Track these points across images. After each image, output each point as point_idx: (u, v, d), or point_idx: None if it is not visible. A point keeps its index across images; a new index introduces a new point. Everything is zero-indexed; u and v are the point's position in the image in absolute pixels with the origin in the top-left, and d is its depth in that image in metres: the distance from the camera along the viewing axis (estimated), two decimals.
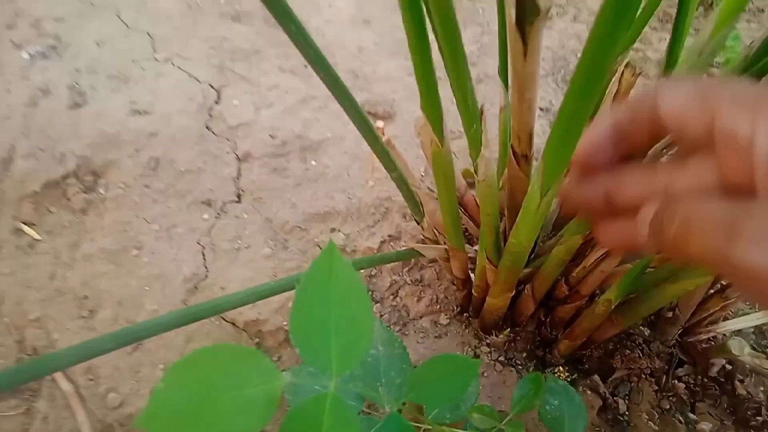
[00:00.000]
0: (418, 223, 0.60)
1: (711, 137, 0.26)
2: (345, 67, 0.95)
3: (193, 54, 0.93)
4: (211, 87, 0.89)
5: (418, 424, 0.49)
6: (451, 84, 0.38)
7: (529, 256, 0.65)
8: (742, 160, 0.25)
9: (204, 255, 0.75)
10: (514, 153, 0.49)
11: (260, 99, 0.88)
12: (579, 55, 0.31)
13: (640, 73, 0.55)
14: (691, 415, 0.68)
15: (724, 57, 1.03)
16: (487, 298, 0.60)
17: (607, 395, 0.70)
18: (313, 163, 0.83)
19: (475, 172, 0.45)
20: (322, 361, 0.30)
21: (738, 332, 0.71)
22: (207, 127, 0.85)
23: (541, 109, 0.97)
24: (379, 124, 0.51)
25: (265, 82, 0.90)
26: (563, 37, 1.07)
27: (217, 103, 0.87)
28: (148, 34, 0.95)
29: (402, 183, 0.51)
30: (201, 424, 0.27)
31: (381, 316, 0.74)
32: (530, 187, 0.43)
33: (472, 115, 0.40)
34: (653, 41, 1.15)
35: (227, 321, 0.72)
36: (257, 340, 0.72)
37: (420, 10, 0.34)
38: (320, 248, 0.77)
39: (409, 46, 0.36)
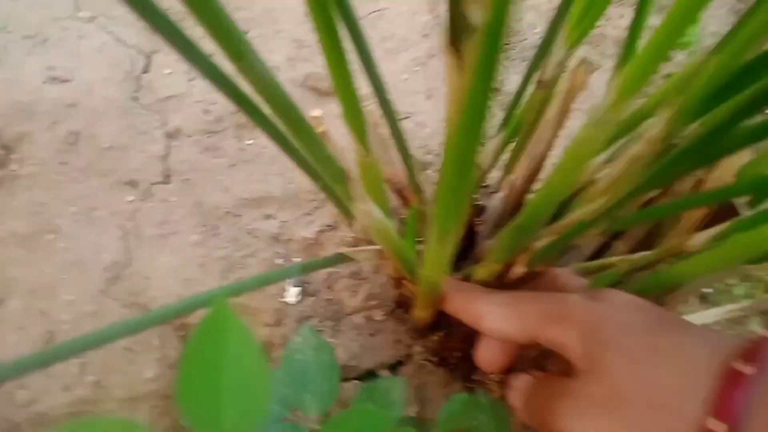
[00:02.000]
0: (349, 226, 0.57)
1: (530, 342, 0.37)
2: (289, 34, 0.89)
3: (121, 13, 0.85)
4: (140, 53, 0.82)
5: None
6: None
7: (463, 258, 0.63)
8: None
9: (127, 241, 0.70)
10: None
11: (193, 70, 0.82)
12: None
13: (595, 69, 0.52)
14: None
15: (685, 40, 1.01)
16: (415, 309, 0.58)
17: None
18: (249, 142, 0.78)
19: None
20: (212, 430, 0.28)
21: None
22: (134, 98, 0.78)
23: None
24: (317, 112, 0.47)
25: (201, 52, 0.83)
26: (520, 9, 1.02)
27: (145, 71, 0.81)
28: None
29: (328, 191, 0.48)
30: None
31: (315, 310, 0.71)
32: (428, 235, 0.41)
33: (337, 176, 0.39)
34: (613, 16, 1.12)
35: None
36: (181, 333, 0.68)
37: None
38: (254, 237, 0.73)
39: (323, 52, 0.33)
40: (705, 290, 0.77)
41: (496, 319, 0.38)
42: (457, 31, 0.31)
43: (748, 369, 0.25)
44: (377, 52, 0.31)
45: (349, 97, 0.37)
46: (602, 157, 0.52)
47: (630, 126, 0.49)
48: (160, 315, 0.43)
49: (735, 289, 0.77)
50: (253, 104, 0.36)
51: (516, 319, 0.37)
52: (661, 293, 0.62)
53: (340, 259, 0.58)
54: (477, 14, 0.29)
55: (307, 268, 0.58)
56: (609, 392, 0.30)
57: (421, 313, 0.59)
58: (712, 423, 0.25)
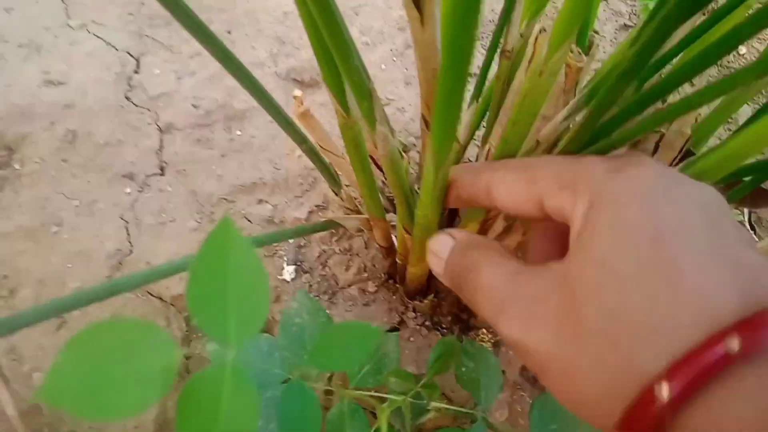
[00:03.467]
0: (337, 194, 0.61)
1: (542, 213, 0.30)
2: (270, 32, 0.93)
3: (109, 20, 0.89)
4: (130, 55, 0.86)
5: (345, 392, 0.51)
6: (336, 59, 0.38)
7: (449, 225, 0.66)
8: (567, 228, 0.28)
9: (127, 230, 0.74)
10: (426, 122, 0.50)
11: (182, 67, 0.86)
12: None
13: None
14: None
15: (642, 2, 1.06)
16: (409, 267, 0.62)
17: None
18: (239, 133, 0.82)
19: (375, 147, 0.45)
20: (221, 332, 0.31)
21: None
22: (126, 98, 0.82)
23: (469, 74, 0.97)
24: (298, 92, 0.51)
25: (187, 50, 0.88)
26: (491, 0, 1.07)
27: (136, 72, 0.85)
28: (61, 0, 0.91)
29: (314, 155, 0.52)
30: (99, 396, 0.28)
31: (310, 286, 0.74)
32: (425, 163, 0.44)
33: (361, 92, 0.40)
34: None
35: (154, 296, 0.71)
36: (185, 314, 0.72)
37: None
38: (248, 221, 0.77)
39: (298, 10, 0.36)
40: None
41: (508, 186, 0.31)
42: None
43: (735, 344, 0.19)
44: (357, 45, 0.35)
45: (325, 58, 0.40)
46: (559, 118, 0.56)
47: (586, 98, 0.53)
48: (142, 277, 0.46)
49: None
50: None
51: (527, 182, 0.30)
52: None
53: (331, 225, 0.62)
54: None
55: (300, 232, 0.62)
56: (582, 295, 0.24)
57: (414, 270, 0.63)
58: (661, 387, 0.20)
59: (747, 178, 0.42)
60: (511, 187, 0.31)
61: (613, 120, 0.41)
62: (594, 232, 0.24)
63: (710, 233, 0.23)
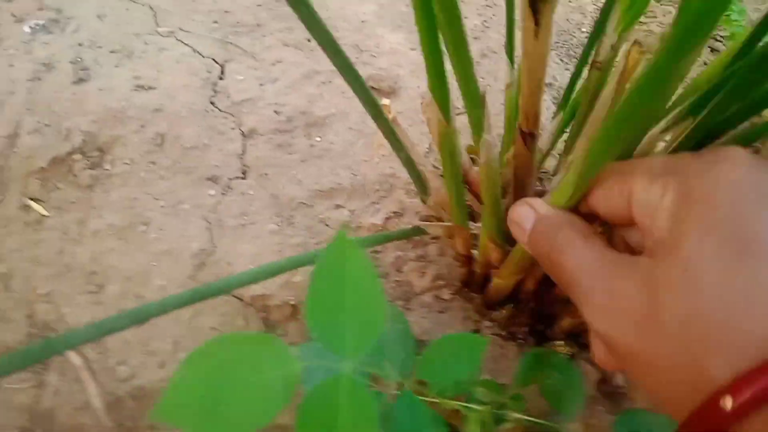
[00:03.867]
0: (424, 202, 0.61)
1: (629, 214, 0.30)
2: (348, 41, 0.94)
3: (195, 28, 0.92)
4: (215, 62, 0.89)
5: (424, 398, 0.51)
6: (453, 67, 0.38)
7: None
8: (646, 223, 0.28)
9: (210, 231, 0.76)
10: (522, 132, 0.49)
11: (264, 74, 0.88)
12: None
13: (645, 51, 0.55)
14: None
15: (729, 31, 1.03)
16: (495, 279, 0.61)
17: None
18: (318, 139, 0.84)
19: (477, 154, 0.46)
20: (337, 343, 0.31)
21: None
22: (211, 103, 0.85)
23: (546, 85, 0.97)
24: (386, 101, 0.51)
25: (269, 57, 0.90)
26: (567, 10, 1.06)
27: (221, 78, 0.87)
28: (150, 7, 0.94)
29: (409, 163, 0.52)
30: (219, 411, 0.28)
31: (386, 291, 0.75)
32: (562, 182, 0.43)
33: (474, 99, 0.40)
34: (657, 14, 1.15)
35: (234, 296, 0.73)
36: (264, 314, 0.73)
37: None
38: (326, 225, 0.78)
39: (416, 22, 0.36)
40: None
41: (604, 189, 0.32)
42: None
43: None
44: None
45: (436, 68, 0.40)
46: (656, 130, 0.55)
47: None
48: (232, 283, 0.47)
49: None
50: None
51: (620, 180, 0.30)
52: None
53: (416, 231, 0.62)
54: None
55: (383, 239, 0.62)
56: (664, 298, 0.24)
57: (502, 282, 0.62)
58: (726, 399, 0.21)
59: None
60: (606, 190, 0.32)
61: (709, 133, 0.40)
62: (682, 233, 0.25)
63: None
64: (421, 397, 0.49)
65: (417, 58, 0.93)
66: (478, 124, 0.42)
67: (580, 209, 0.35)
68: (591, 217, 0.34)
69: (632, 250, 0.30)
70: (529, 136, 0.50)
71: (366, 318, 0.32)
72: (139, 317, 0.43)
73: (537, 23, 0.37)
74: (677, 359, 0.24)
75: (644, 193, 0.28)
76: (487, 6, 1.05)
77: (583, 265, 0.29)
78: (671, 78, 0.24)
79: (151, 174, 0.79)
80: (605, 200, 0.32)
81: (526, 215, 0.36)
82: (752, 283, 0.22)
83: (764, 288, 0.22)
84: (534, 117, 0.47)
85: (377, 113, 0.44)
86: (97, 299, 0.72)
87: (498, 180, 0.49)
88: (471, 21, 1.01)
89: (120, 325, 0.42)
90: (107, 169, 0.79)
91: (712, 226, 0.24)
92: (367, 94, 0.42)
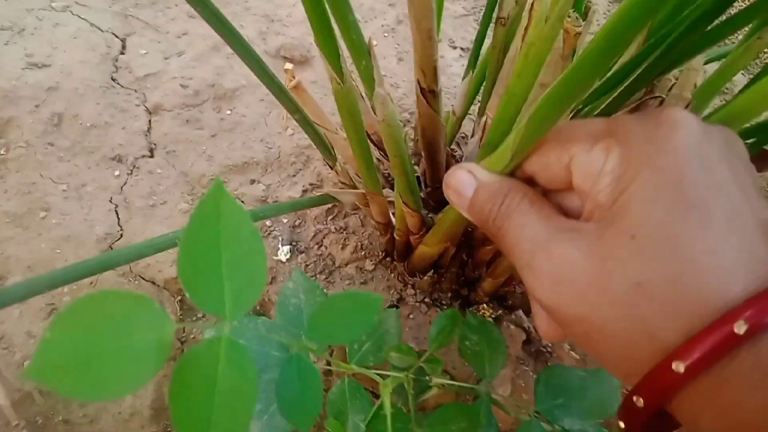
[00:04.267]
0: (331, 167, 0.59)
1: (568, 178, 0.29)
2: (259, 11, 0.91)
3: (93, 2, 0.87)
4: (115, 36, 0.84)
5: (347, 368, 0.49)
6: (332, 15, 0.36)
7: None
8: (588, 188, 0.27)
9: (117, 213, 0.72)
10: (421, 89, 0.48)
11: (169, 47, 0.84)
12: None
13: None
14: None
15: None
16: (421, 246, 0.60)
17: (531, 329, 0.72)
18: (228, 112, 0.80)
19: (374, 111, 0.44)
20: (215, 306, 0.29)
21: None
22: (112, 79, 0.80)
23: (462, 49, 0.95)
24: (288, 66, 0.49)
25: (174, 29, 0.86)
26: None
27: (122, 53, 0.83)
28: None
29: (307, 125, 0.50)
30: (92, 372, 0.26)
31: (306, 266, 0.73)
32: (499, 152, 0.42)
33: (359, 50, 0.38)
34: None
35: (146, 280, 0.70)
36: (179, 297, 0.70)
37: None
38: (240, 201, 0.75)
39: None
40: None
41: (540, 154, 0.31)
42: None
43: (742, 327, 0.21)
44: None
45: (319, 19, 0.38)
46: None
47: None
48: (126, 254, 0.44)
49: None
50: None
51: (559, 146, 0.29)
52: None
53: (326, 199, 0.60)
54: None
55: (295, 207, 0.60)
56: (612, 266, 0.24)
57: (429, 250, 0.61)
58: (675, 364, 0.22)
59: (749, 141, 0.41)
60: (543, 155, 0.30)
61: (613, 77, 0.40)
62: (628, 199, 0.25)
63: (736, 199, 0.24)
64: (341, 366, 0.48)
65: None
66: (367, 77, 0.40)
67: (516, 176, 0.33)
68: (528, 183, 0.32)
69: (568, 216, 0.29)
70: (429, 93, 0.48)
71: (245, 278, 0.30)
72: (40, 287, 0.39)
73: None
74: (627, 325, 0.24)
75: (585, 157, 0.27)
76: None
77: (527, 233, 0.28)
78: (629, 36, 0.23)
79: (49, 156, 0.74)
80: (543, 165, 0.31)
81: (465, 182, 0.34)
82: (699, 248, 0.23)
83: (711, 252, 0.22)
84: (431, 71, 0.45)
85: (261, 72, 0.41)
86: None
87: (401, 137, 0.47)
88: None
89: (17, 296, 0.38)
90: (1, 154, 0.73)
91: (658, 191, 0.24)
92: (252, 58, 0.40)
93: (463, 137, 0.83)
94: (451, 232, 0.56)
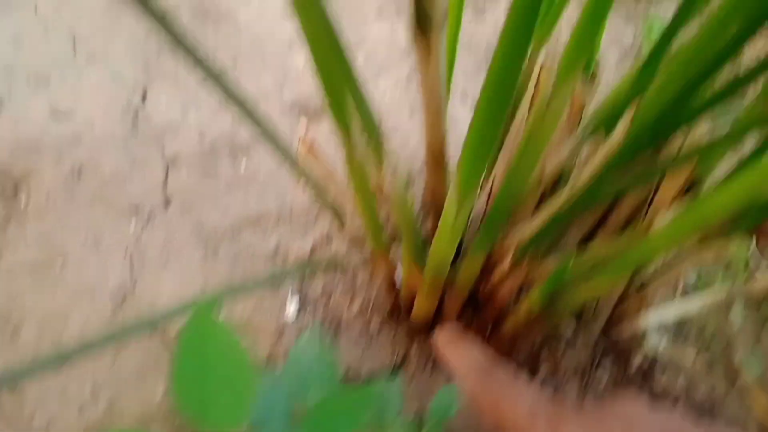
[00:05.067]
0: (341, 226, 0.60)
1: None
2: (276, 61, 0.93)
3: (116, 52, 0.90)
4: (137, 86, 0.86)
5: None
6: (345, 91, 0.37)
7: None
8: None
9: (132, 265, 0.74)
10: (429, 161, 0.49)
11: (188, 98, 0.86)
12: None
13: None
14: None
15: None
16: (416, 298, 0.61)
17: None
18: (244, 164, 0.82)
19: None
20: (204, 420, 0.31)
21: (659, 324, 0.73)
22: (133, 130, 0.82)
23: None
24: (301, 133, 0.50)
25: (193, 79, 0.88)
26: (498, 29, 1.06)
27: (143, 103, 0.85)
28: (69, 32, 0.91)
29: (316, 189, 0.51)
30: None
31: (313, 320, 0.74)
32: (447, 201, 0.43)
33: (370, 125, 0.39)
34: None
35: (157, 333, 0.71)
36: None
37: None
38: (253, 254, 0.76)
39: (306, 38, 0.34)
40: (688, 281, 0.80)
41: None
42: (422, 23, 0.35)
43: None
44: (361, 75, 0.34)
45: (334, 97, 0.39)
46: (564, 151, 0.55)
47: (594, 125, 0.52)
48: (148, 322, 0.45)
49: (718, 279, 0.80)
50: None
51: (498, 402, 0.31)
52: (640, 287, 0.65)
53: (334, 264, 0.61)
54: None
55: (303, 270, 0.61)
56: None
57: (423, 305, 0.62)
58: None
59: None
60: (482, 393, 0.32)
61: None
62: None
63: None
64: None
65: None
66: (376, 151, 0.41)
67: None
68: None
69: None
70: (437, 165, 0.49)
71: (232, 394, 0.32)
72: (52, 363, 0.41)
73: (427, 49, 0.37)
74: None
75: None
76: None
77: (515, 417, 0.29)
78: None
79: (69, 207, 0.76)
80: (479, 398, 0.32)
81: (467, 364, 0.36)
82: None
83: None
84: (439, 147, 0.47)
85: (268, 137, 0.43)
86: (11, 343, 0.69)
87: (408, 205, 0.48)
88: (400, 43, 1.01)
89: (31, 372, 0.39)
90: (22, 203, 0.76)
91: None
92: (263, 128, 0.41)
93: None
94: (434, 285, 0.57)
